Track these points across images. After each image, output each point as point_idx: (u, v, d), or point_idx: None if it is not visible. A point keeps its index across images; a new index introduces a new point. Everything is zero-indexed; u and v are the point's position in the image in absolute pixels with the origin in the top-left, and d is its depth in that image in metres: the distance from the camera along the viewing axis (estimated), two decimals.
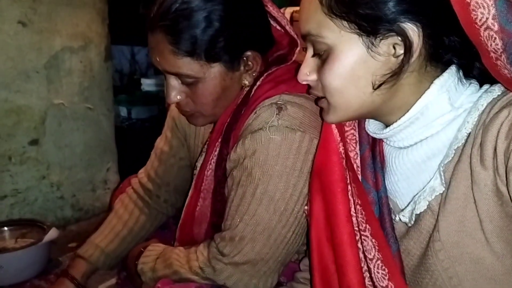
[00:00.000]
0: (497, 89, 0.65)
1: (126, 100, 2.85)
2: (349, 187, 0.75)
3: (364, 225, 0.72)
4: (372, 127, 0.76)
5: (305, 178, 0.83)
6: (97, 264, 1.12)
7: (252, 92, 0.90)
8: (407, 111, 0.67)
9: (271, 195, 0.82)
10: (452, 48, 0.67)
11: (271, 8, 0.94)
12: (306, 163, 0.83)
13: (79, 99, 1.60)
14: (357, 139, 0.77)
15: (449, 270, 0.65)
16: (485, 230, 0.62)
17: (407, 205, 0.71)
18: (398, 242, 0.71)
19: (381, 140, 0.76)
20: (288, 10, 1.42)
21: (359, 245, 0.73)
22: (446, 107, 0.66)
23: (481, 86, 0.68)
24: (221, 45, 0.85)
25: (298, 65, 0.96)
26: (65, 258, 1.38)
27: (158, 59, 0.87)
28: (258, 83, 0.90)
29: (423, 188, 0.68)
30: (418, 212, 0.68)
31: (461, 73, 0.68)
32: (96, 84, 1.65)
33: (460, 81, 0.68)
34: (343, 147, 0.76)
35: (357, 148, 0.76)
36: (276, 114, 0.84)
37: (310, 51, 0.71)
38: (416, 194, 0.69)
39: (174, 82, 0.89)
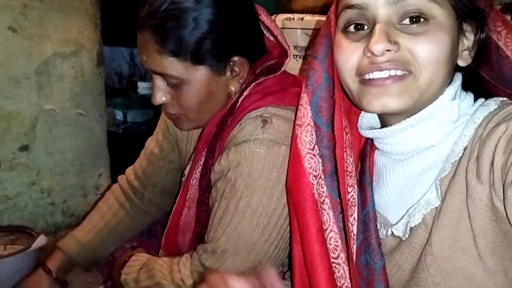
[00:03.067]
0: (493, 103, 0.65)
1: (121, 103, 2.84)
2: (320, 206, 0.72)
3: (337, 253, 0.70)
4: (365, 125, 0.74)
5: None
6: (72, 254, 1.11)
7: (239, 103, 0.89)
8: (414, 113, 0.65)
9: (254, 209, 0.82)
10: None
11: (265, 17, 0.94)
12: None
13: (70, 104, 1.60)
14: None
15: (440, 285, 0.64)
16: (478, 246, 0.61)
17: (401, 218, 0.69)
18: (387, 258, 0.70)
19: (372, 153, 0.74)
20: (279, 17, 1.42)
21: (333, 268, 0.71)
22: (455, 114, 0.65)
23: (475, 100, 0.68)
24: (208, 47, 0.84)
25: (288, 76, 0.97)
26: None
27: (144, 58, 0.87)
28: (245, 93, 0.89)
29: (418, 201, 0.67)
30: (412, 226, 0.67)
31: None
32: (88, 89, 1.64)
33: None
34: (314, 161, 0.74)
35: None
36: (261, 127, 0.84)
37: None
38: (411, 207, 0.68)
39: (160, 82, 0.89)
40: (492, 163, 0.58)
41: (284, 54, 0.94)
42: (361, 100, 0.65)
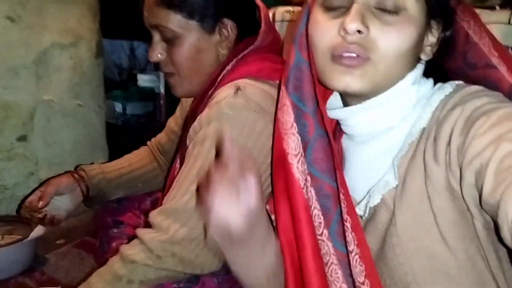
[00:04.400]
0: (448, 87, 0.68)
1: (121, 95, 2.84)
2: (304, 184, 0.73)
3: (321, 230, 0.71)
4: (331, 107, 0.76)
5: (254, 157, 0.83)
6: (91, 174, 1.21)
7: (221, 76, 0.93)
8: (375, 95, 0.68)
9: None
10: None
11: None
12: (257, 143, 0.84)
13: (69, 95, 1.59)
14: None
15: (404, 265, 0.66)
16: (439, 225, 0.64)
17: (362, 198, 0.72)
18: None
19: (340, 137, 0.77)
20: (279, 10, 1.41)
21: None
22: (413, 98, 0.68)
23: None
24: (201, 2, 0.92)
25: (273, 56, 0.98)
26: (52, 255, 1.37)
27: (145, 14, 0.96)
28: (227, 67, 0.93)
29: (377, 182, 0.70)
30: (372, 205, 0.70)
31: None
32: (87, 80, 1.64)
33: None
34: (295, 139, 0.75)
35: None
36: (234, 92, 0.86)
37: None
38: (371, 188, 0.71)
39: (157, 38, 0.97)
40: (448, 144, 0.61)
41: (275, 39, 0.99)
42: (327, 77, 0.68)
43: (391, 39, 0.63)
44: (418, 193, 0.65)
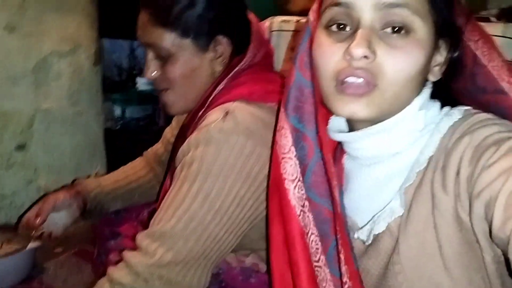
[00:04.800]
0: (457, 113, 0.66)
1: (120, 99, 2.85)
2: (300, 210, 0.72)
3: (318, 256, 0.70)
4: (335, 128, 0.74)
5: (242, 181, 0.83)
6: (88, 188, 1.21)
7: (212, 96, 0.93)
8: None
9: (208, 193, 0.82)
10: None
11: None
12: (245, 166, 0.83)
13: (67, 103, 1.60)
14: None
15: None
16: (444, 255, 0.62)
17: (366, 223, 0.70)
18: (358, 261, 0.71)
19: (341, 158, 0.75)
20: (276, 20, 1.41)
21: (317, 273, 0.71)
22: (421, 123, 0.66)
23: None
24: (195, 21, 0.92)
25: (267, 74, 0.98)
26: (50, 264, 1.38)
27: (139, 32, 0.96)
28: (219, 87, 0.93)
29: (383, 208, 0.68)
30: (376, 233, 0.68)
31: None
32: (86, 87, 1.65)
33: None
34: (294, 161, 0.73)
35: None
36: (223, 116, 0.86)
37: None
38: (376, 214, 0.69)
39: (151, 56, 0.97)
40: (457, 174, 0.59)
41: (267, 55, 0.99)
42: (332, 104, 0.66)
43: (399, 63, 0.61)
44: (423, 221, 0.63)
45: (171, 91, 0.97)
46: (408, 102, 0.65)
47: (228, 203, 0.83)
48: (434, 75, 0.68)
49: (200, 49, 0.94)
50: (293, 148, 0.72)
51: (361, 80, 0.61)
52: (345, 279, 0.66)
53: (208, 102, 0.93)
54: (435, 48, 0.65)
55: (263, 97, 0.90)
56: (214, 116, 0.87)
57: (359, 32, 0.61)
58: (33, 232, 1.19)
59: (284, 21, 1.39)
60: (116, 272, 0.85)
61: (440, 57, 0.67)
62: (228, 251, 0.88)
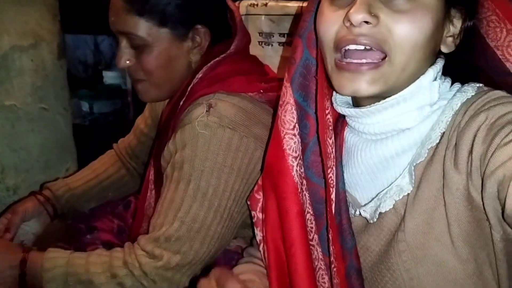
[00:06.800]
0: (470, 90, 0.64)
1: (87, 95, 2.79)
2: (300, 188, 0.72)
3: (312, 235, 0.70)
4: (340, 100, 0.72)
5: (235, 175, 0.84)
6: (58, 194, 1.19)
7: (191, 85, 0.92)
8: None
9: (204, 191, 0.83)
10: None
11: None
12: (236, 160, 0.84)
13: (32, 99, 1.55)
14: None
15: (410, 271, 0.64)
16: (452, 234, 0.61)
17: (370, 200, 0.69)
18: (356, 238, 0.70)
19: (342, 131, 0.73)
20: (243, 3, 1.41)
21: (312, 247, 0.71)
22: (435, 95, 0.64)
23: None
24: (173, 10, 0.89)
25: (245, 62, 0.97)
26: None
27: (112, 19, 0.92)
28: (198, 75, 0.91)
29: (389, 185, 0.66)
30: (383, 211, 0.66)
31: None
32: (50, 83, 1.59)
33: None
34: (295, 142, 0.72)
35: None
36: (206, 110, 0.85)
37: None
38: (381, 192, 0.67)
39: (124, 45, 0.92)
40: (470, 152, 0.58)
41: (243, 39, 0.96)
42: (334, 81, 0.64)
43: (405, 28, 0.58)
44: (432, 199, 0.62)
45: (146, 81, 0.95)
46: (416, 75, 0.62)
47: (226, 200, 0.84)
48: (448, 47, 0.65)
49: (177, 39, 0.91)
50: (297, 126, 0.70)
51: (362, 47, 0.59)
52: (332, 258, 0.67)
53: (187, 92, 0.91)
54: (446, 17, 0.62)
55: (243, 87, 0.90)
56: (197, 112, 0.86)
57: None
58: None
59: (251, 4, 1.38)
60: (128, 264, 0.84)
61: (454, 28, 0.64)
62: (226, 245, 0.89)
